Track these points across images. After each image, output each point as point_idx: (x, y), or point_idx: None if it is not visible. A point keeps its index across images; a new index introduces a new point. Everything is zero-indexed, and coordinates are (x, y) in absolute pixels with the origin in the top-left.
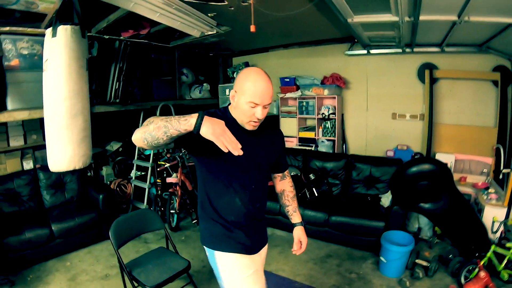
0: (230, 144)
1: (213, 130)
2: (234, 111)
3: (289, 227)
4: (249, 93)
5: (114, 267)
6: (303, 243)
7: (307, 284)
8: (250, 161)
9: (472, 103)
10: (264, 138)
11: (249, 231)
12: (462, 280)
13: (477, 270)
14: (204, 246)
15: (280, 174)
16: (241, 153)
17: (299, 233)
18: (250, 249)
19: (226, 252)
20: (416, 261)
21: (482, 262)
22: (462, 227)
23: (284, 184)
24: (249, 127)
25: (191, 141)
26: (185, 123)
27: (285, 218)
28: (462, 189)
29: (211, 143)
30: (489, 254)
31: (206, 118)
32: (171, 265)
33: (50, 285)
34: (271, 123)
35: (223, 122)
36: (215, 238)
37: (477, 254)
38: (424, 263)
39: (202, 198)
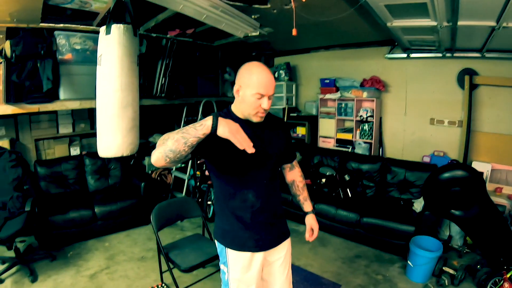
0: (244, 142)
1: (229, 129)
2: (239, 106)
3: (321, 225)
4: (255, 85)
5: (150, 250)
6: (315, 230)
7: (333, 281)
8: (261, 156)
9: None
10: (270, 131)
11: (265, 226)
12: None
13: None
14: (216, 241)
15: (289, 165)
16: (253, 150)
17: (310, 221)
18: (264, 246)
19: (236, 251)
20: (444, 268)
21: (509, 275)
22: (492, 237)
23: (293, 174)
24: (256, 119)
25: (207, 146)
26: (202, 128)
27: (318, 216)
28: (497, 200)
29: (224, 144)
30: None
31: (220, 119)
32: (206, 250)
33: (89, 262)
34: (273, 116)
35: (237, 123)
36: (227, 234)
37: (505, 267)
38: (451, 271)
39: (217, 196)
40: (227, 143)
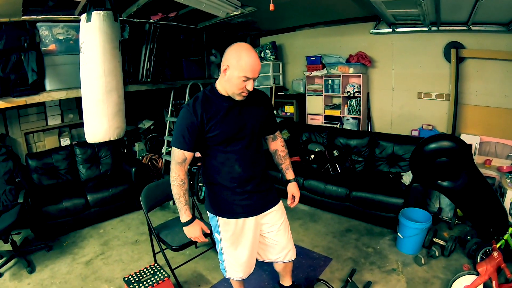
0: (197, 240)
1: (188, 234)
2: (224, 84)
3: (311, 201)
4: (243, 69)
5: (143, 233)
6: (296, 197)
7: (325, 255)
8: (243, 129)
9: (500, 84)
10: (251, 104)
11: (252, 194)
12: (478, 262)
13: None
14: (208, 212)
15: (271, 136)
16: (203, 240)
17: (292, 188)
18: (254, 211)
19: (224, 218)
20: (434, 239)
21: (498, 245)
22: (481, 208)
23: (276, 144)
24: (239, 98)
25: (199, 142)
26: (180, 214)
27: (308, 192)
28: (487, 172)
29: (209, 128)
30: (506, 236)
31: (188, 227)
32: None
33: (85, 249)
34: (255, 90)
35: (198, 230)
36: (218, 204)
37: (495, 237)
38: (442, 243)
39: (206, 171)
40: (211, 126)
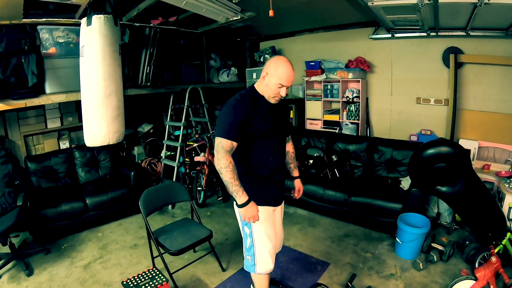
0: (253, 219)
1: (246, 215)
2: (262, 88)
3: (310, 206)
4: (280, 77)
5: (142, 238)
6: (301, 191)
7: (323, 260)
8: (277, 126)
9: (498, 89)
10: (280, 109)
11: (277, 186)
12: (476, 267)
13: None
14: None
15: (286, 138)
16: (257, 218)
17: (298, 183)
18: (276, 202)
19: (260, 206)
20: (432, 244)
21: (496, 250)
22: (480, 213)
23: (288, 146)
24: (273, 101)
25: (245, 133)
26: (236, 197)
27: (306, 197)
28: (485, 177)
29: (260, 123)
30: (504, 241)
31: (246, 207)
32: (194, 233)
33: (83, 252)
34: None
35: (255, 210)
36: (253, 193)
37: (494, 242)
38: (440, 247)
39: (243, 161)
40: (255, 122)
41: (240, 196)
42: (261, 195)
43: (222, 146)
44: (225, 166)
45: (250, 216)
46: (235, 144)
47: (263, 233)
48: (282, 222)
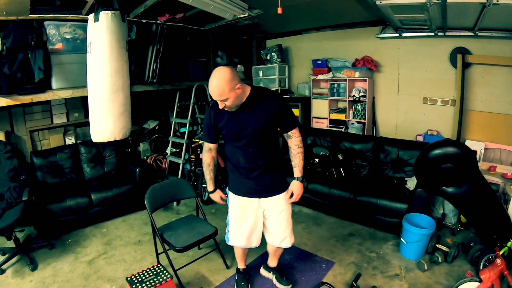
0: (219, 202)
1: (213, 199)
2: None
3: (315, 204)
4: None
5: (146, 234)
6: (294, 194)
7: (327, 259)
8: (241, 132)
9: (506, 90)
10: (254, 109)
11: (256, 181)
12: (481, 268)
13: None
14: (227, 188)
15: (285, 134)
16: (222, 202)
17: (292, 185)
18: (256, 194)
19: (234, 194)
20: (437, 245)
21: (501, 252)
22: (485, 214)
23: (290, 143)
24: (230, 110)
25: (217, 133)
26: (207, 186)
27: (312, 195)
28: (491, 178)
29: (223, 128)
30: (509, 243)
31: (213, 194)
32: (199, 230)
33: (87, 248)
34: (267, 95)
35: (217, 196)
36: (231, 181)
37: (498, 244)
38: (445, 249)
39: (226, 154)
40: (222, 128)
41: (209, 185)
42: (234, 185)
43: (204, 147)
44: (204, 162)
45: (216, 200)
46: (211, 145)
47: (234, 216)
48: (280, 218)
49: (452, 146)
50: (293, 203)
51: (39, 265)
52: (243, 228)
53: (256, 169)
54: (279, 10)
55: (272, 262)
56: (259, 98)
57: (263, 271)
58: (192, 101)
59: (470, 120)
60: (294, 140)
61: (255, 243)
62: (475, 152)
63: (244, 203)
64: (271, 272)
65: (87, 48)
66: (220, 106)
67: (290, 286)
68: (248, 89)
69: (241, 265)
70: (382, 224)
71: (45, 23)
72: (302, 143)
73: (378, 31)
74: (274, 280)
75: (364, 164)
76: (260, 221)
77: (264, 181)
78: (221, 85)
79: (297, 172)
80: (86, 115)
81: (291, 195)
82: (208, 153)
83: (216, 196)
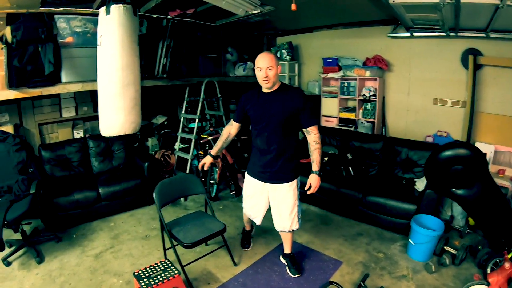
0: (201, 162)
1: (203, 159)
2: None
3: (323, 203)
4: (256, 63)
5: (154, 229)
6: (313, 186)
7: (335, 258)
8: (265, 113)
9: None
10: (280, 97)
11: (266, 164)
12: (488, 272)
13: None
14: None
15: (304, 130)
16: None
17: (310, 178)
18: (263, 178)
19: (248, 175)
20: (445, 247)
21: (510, 255)
22: (494, 217)
23: (309, 138)
24: (266, 86)
25: (245, 115)
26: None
27: (320, 194)
28: (500, 181)
29: (248, 111)
30: None
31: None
32: (208, 226)
33: (94, 242)
34: (293, 91)
35: (204, 160)
36: (248, 165)
37: (507, 248)
38: (452, 251)
39: (252, 138)
40: (249, 110)
41: (212, 150)
42: (249, 166)
43: (229, 122)
44: (223, 133)
45: (201, 161)
46: (234, 123)
47: (245, 191)
48: (281, 206)
49: (463, 148)
50: (301, 201)
51: (46, 258)
52: (248, 203)
53: (267, 152)
54: (293, 7)
55: (285, 248)
56: (285, 92)
57: (281, 258)
58: (201, 97)
59: (481, 122)
60: (312, 136)
61: (257, 221)
62: (484, 154)
63: (253, 184)
64: (286, 260)
65: (98, 41)
66: (264, 75)
67: (298, 276)
68: (279, 82)
69: (247, 228)
70: (390, 224)
71: (56, 16)
72: (320, 140)
73: (389, 30)
74: (287, 267)
75: (373, 164)
76: (262, 203)
77: (272, 168)
78: (271, 55)
79: (315, 166)
80: (95, 109)
81: (309, 187)
82: (229, 127)
83: (205, 160)
